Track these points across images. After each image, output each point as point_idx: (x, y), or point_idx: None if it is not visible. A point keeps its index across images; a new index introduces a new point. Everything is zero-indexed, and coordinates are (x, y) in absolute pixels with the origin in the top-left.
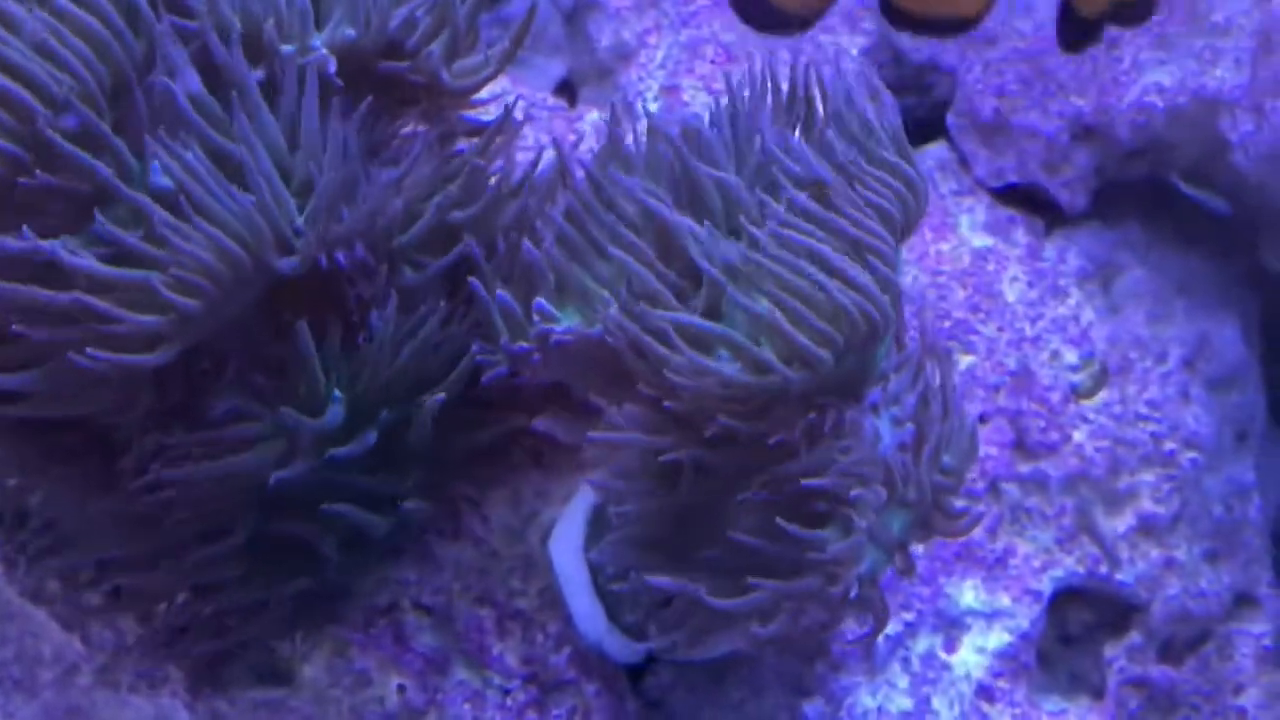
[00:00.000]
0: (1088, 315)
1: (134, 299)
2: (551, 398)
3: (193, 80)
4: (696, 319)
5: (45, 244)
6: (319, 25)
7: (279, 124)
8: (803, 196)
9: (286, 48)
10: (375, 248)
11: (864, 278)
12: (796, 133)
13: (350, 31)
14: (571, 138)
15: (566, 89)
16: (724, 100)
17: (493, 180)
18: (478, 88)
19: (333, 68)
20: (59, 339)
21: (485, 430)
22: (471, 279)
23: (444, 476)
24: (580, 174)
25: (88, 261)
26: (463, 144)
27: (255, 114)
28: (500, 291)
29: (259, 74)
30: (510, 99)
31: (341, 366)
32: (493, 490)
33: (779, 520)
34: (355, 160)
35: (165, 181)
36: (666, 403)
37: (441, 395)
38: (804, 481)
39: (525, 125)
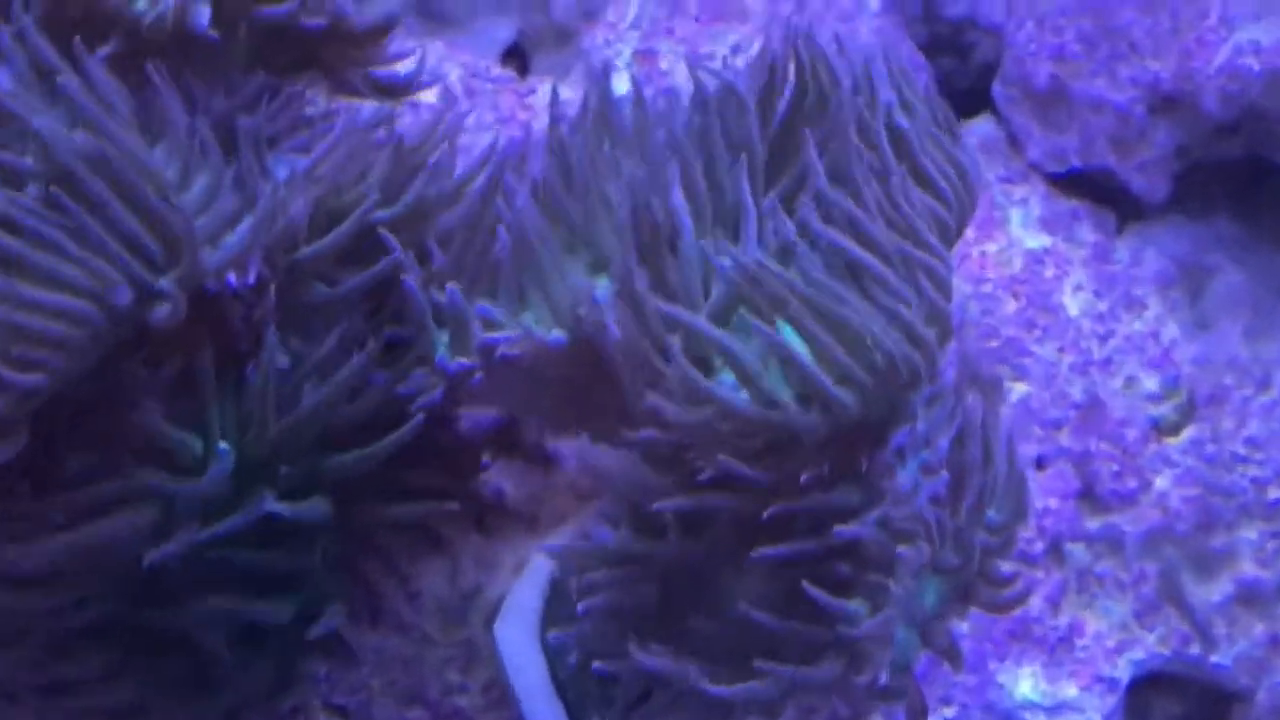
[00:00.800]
0: (1170, 332)
1: None
2: (496, 441)
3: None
4: (703, 322)
5: None
6: None
7: (130, 118)
8: (837, 192)
9: (138, 4)
10: (272, 258)
11: (908, 313)
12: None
13: None
14: (523, 115)
15: (516, 56)
16: (711, 80)
17: (427, 170)
18: (393, 21)
19: (204, 18)
20: None
21: (413, 484)
22: (404, 278)
23: (360, 547)
24: (542, 160)
25: None
26: (370, 116)
27: (97, 117)
28: (450, 286)
29: (108, 48)
30: (447, 68)
31: (227, 410)
32: (423, 561)
33: (805, 584)
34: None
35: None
36: (647, 432)
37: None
38: (837, 529)
39: (466, 102)
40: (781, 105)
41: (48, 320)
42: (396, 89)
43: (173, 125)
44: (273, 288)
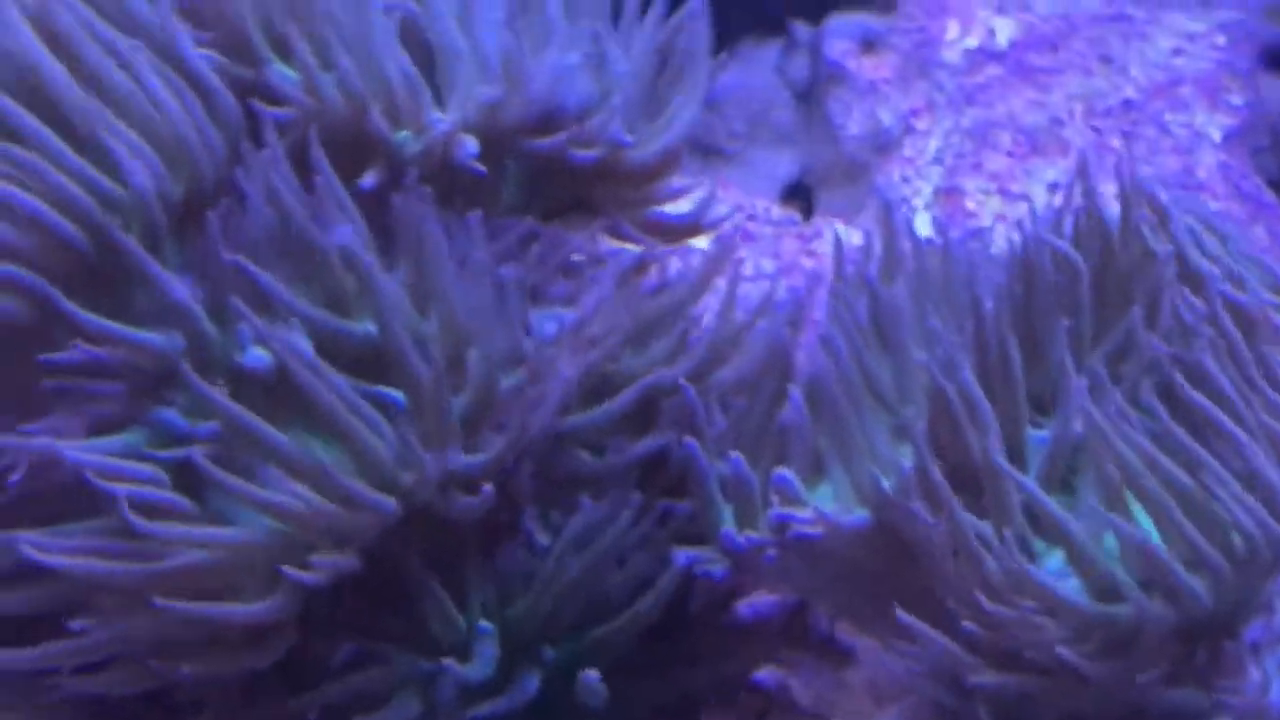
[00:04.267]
0: None
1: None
2: (783, 628)
3: (293, 206)
4: (1037, 489)
5: (85, 457)
6: (439, 96)
7: (403, 267)
8: (1203, 355)
9: (400, 134)
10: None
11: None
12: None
13: (488, 91)
14: (807, 263)
15: (798, 194)
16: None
17: (703, 327)
18: (673, 156)
19: (471, 150)
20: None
21: (687, 677)
22: (688, 440)
23: None
24: (833, 314)
25: (173, 530)
26: (640, 264)
27: (368, 278)
28: (734, 455)
29: (370, 179)
30: (723, 209)
31: (487, 587)
32: None
33: None
34: (512, 315)
35: (258, 358)
36: (966, 626)
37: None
38: None
39: (743, 248)
40: (1098, 261)
41: (353, 512)
42: (673, 232)
43: (444, 282)
44: (531, 460)
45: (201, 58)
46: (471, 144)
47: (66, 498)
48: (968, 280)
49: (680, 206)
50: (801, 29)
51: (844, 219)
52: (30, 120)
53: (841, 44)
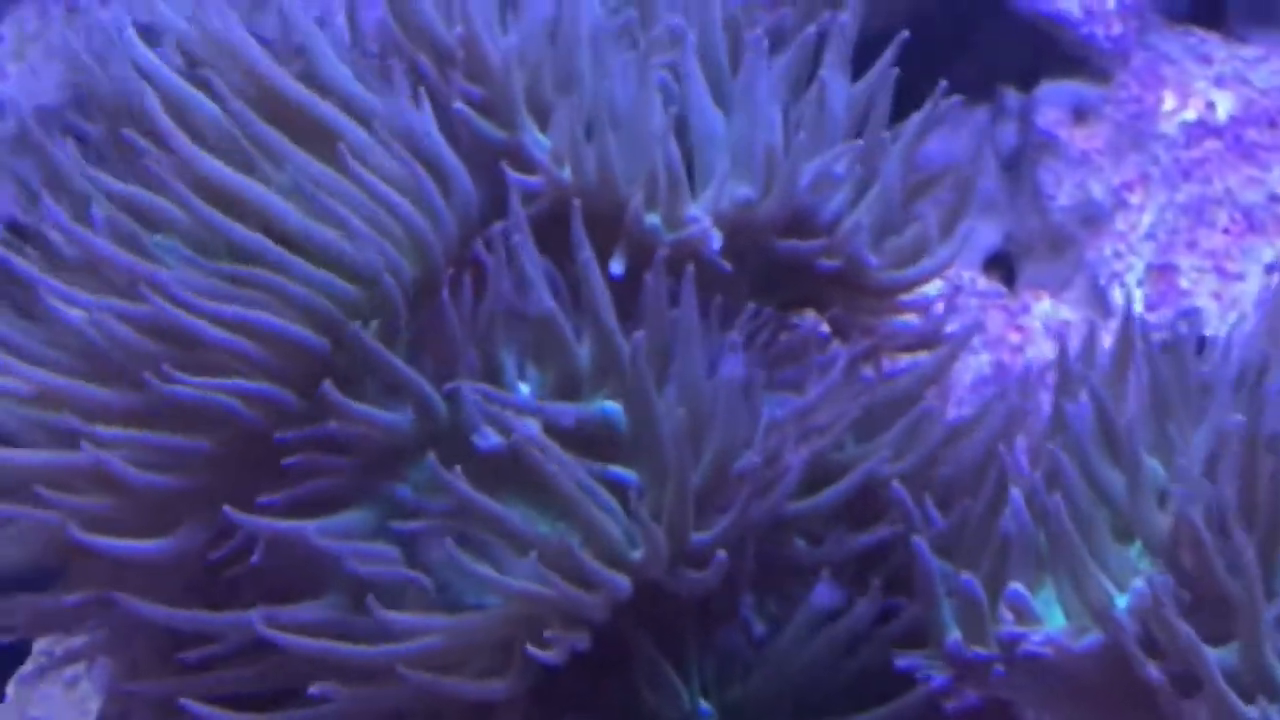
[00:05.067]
0: None
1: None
2: None
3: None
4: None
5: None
6: (694, 184)
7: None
8: None
9: (651, 218)
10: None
11: None
12: None
13: (745, 191)
14: (1014, 337)
15: (1000, 263)
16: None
17: (931, 420)
18: (918, 283)
19: (716, 244)
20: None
21: None
22: (915, 539)
23: None
24: (1057, 409)
25: (414, 620)
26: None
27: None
28: (965, 576)
29: (618, 267)
30: (962, 321)
31: (708, 667)
32: None
33: None
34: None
35: (490, 438)
36: None
37: None
38: None
39: (969, 335)
40: None
41: (589, 591)
42: (906, 340)
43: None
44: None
45: (458, 118)
46: (719, 239)
47: (299, 573)
48: (1204, 388)
49: (917, 317)
50: (1011, 95)
51: (1050, 292)
52: (267, 243)
53: (1053, 112)
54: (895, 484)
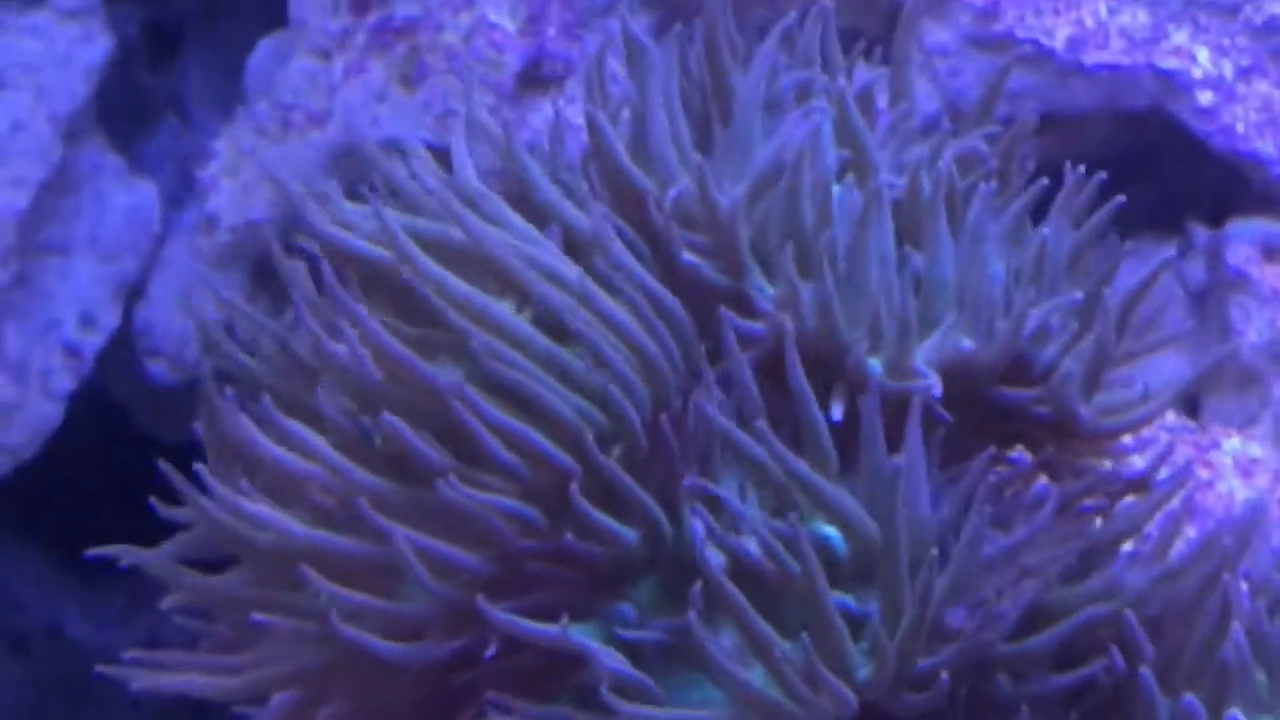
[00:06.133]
0: None
1: None
2: None
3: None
4: None
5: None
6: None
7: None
8: None
9: (873, 362)
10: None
11: None
12: None
13: (967, 343)
14: (1204, 473)
15: (1184, 398)
16: None
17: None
18: (1127, 431)
19: (937, 393)
20: None
21: None
22: (1143, 673)
23: None
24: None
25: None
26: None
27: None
28: (1188, 695)
29: (838, 411)
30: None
31: None
32: None
33: None
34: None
35: (714, 558)
36: None
37: None
38: None
39: (1181, 483)
40: None
41: (817, 701)
42: (1119, 484)
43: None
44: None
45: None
46: (939, 388)
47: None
48: None
49: (1133, 461)
50: (1200, 232)
51: (1236, 428)
52: (533, 368)
53: (1244, 250)
54: (1129, 614)
